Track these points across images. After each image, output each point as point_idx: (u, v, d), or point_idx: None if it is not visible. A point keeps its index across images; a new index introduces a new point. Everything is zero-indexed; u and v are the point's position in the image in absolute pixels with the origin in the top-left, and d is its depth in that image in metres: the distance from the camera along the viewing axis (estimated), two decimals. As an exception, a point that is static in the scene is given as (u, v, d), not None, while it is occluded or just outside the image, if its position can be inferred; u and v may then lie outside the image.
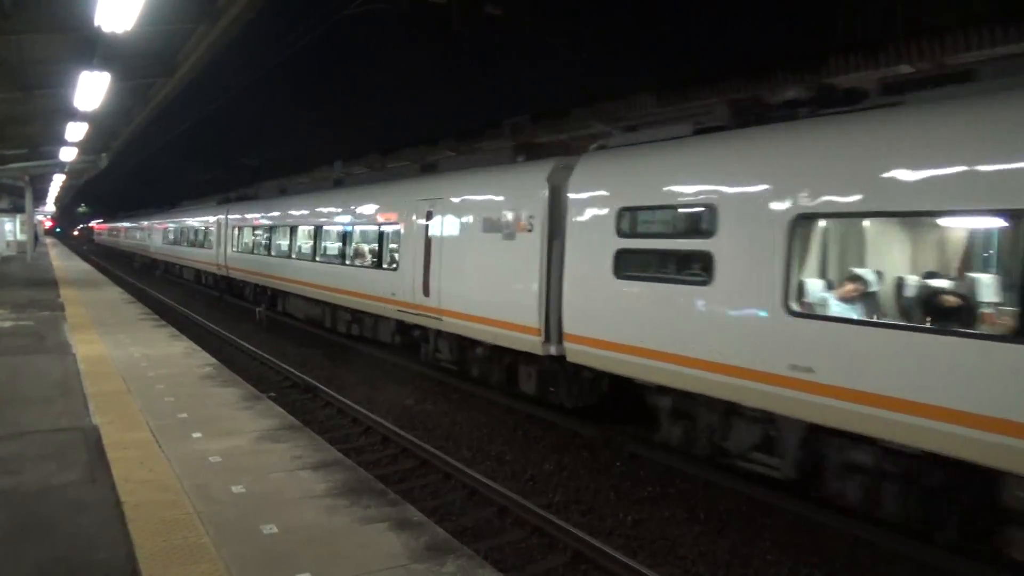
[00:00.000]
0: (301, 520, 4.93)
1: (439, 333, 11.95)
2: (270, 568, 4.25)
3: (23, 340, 11.81)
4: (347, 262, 15.26)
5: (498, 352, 10.57)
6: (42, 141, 21.93)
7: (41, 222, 52.74)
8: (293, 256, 18.52)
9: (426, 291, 11.78)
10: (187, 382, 9.18)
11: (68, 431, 6.84)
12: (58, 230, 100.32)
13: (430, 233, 11.80)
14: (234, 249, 24.07)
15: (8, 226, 43.36)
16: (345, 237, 15.61)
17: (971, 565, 6.00)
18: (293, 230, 18.79)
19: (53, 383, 8.80)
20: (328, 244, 16.94)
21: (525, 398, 10.78)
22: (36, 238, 43.96)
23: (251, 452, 6.40)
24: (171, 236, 35.38)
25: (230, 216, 24.76)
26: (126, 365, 10.08)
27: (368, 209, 14.60)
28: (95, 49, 11.21)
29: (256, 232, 22.21)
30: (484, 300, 10.41)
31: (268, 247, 20.60)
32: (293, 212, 19.09)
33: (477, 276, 10.67)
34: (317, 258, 16.81)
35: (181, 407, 7.84)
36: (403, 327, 13.30)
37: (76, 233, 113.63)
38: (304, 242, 18.21)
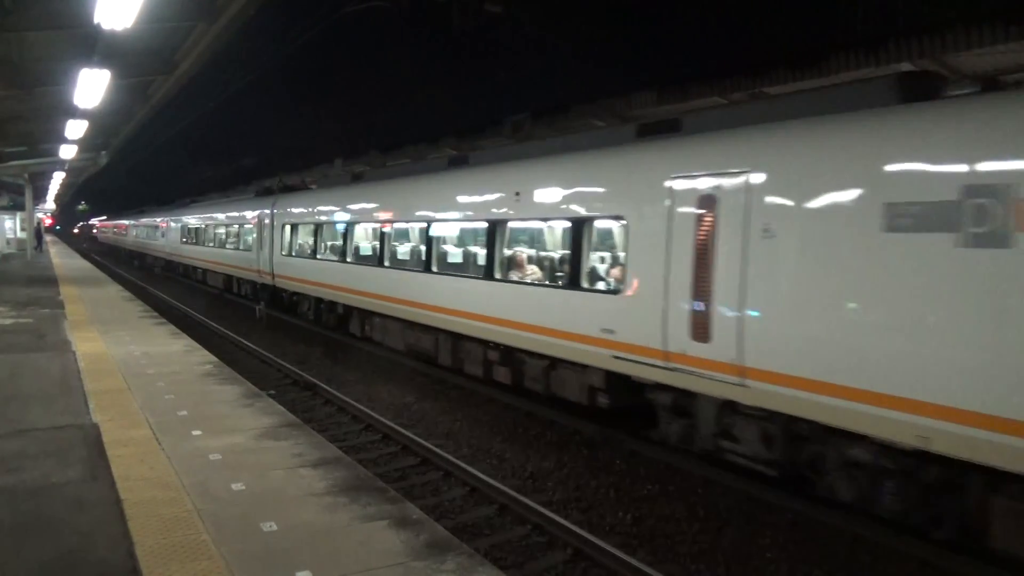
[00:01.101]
0: (301, 518, 4.93)
1: (733, 408, 7.20)
2: (270, 566, 4.25)
3: (23, 338, 11.81)
4: (498, 276, 10.40)
5: (924, 462, 5.83)
6: (42, 138, 21.93)
7: (42, 220, 52.65)
8: (387, 264, 13.65)
9: (702, 333, 7.16)
10: (187, 380, 9.18)
11: (68, 429, 6.84)
12: (57, 228, 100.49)
13: (715, 233, 7.06)
14: (285, 252, 18.99)
15: (8, 224, 43.36)
16: (493, 239, 10.49)
17: (970, 564, 6.00)
18: (386, 229, 13.99)
19: (53, 381, 8.80)
20: (451, 249, 12.38)
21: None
22: (40, 236, 43.79)
23: (251, 450, 6.40)
24: (193, 235, 30.39)
25: (279, 211, 19.61)
26: (126, 363, 10.08)
27: (541, 196, 9.67)
28: (95, 46, 11.21)
29: (324, 232, 17.21)
30: (890, 361, 5.76)
31: (342, 251, 15.70)
32: (386, 205, 14.13)
33: (867, 314, 5.95)
34: (434, 268, 12.04)
35: (181, 405, 7.84)
36: (619, 383, 8.57)
37: (76, 231, 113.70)
38: (408, 246, 13.72)
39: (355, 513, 5.04)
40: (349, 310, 15.75)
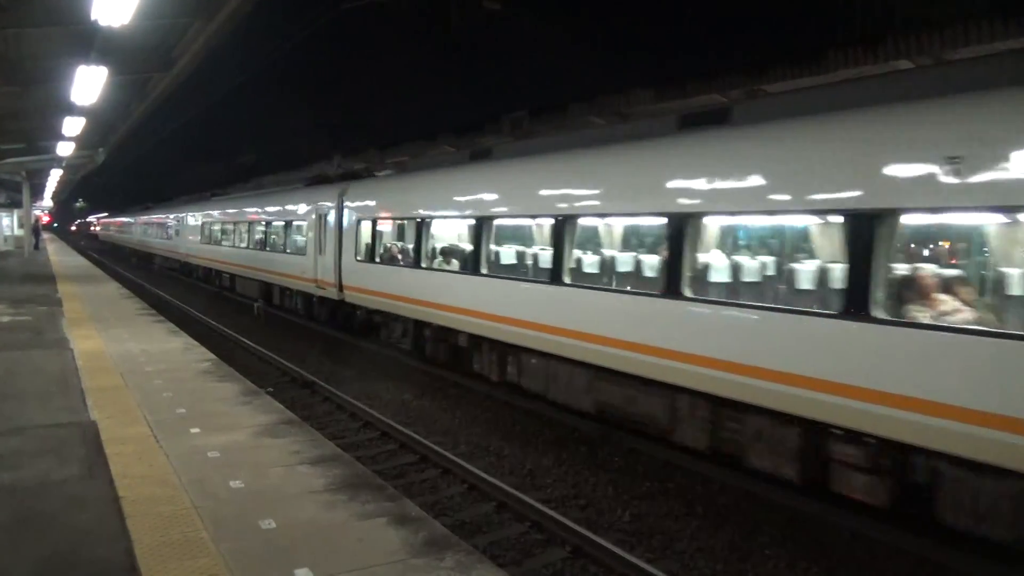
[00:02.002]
0: (300, 515, 4.93)
1: None
2: (268, 563, 4.25)
3: (21, 335, 11.79)
4: (878, 314, 5.97)
5: None
6: (39, 136, 21.92)
7: (39, 217, 52.60)
8: (567, 280, 9.15)
9: None
10: (185, 377, 9.17)
11: (66, 426, 6.83)
12: (55, 225, 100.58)
13: None
14: (362, 257, 14.59)
15: (6, 221, 43.32)
16: (868, 246, 6.05)
17: (968, 560, 6.01)
18: (567, 228, 9.18)
19: (51, 378, 8.79)
20: (718, 259, 7.95)
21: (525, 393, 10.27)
22: (37, 233, 43.73)
23: (249, 447, 6.39)
24: (218, 234, 26.12)
25: (352, 204, 15.16)
26: (124, 360, 10.07)
27: None
28: (92, 43, 11.20)
29: (436, 230, 12.82)
30: None
31: (473, 258, 11.03)
32: (568, 192, 9.35)
33: None
34: (686, 291, 7.56)
35: (179, 402, 7.84)
36: None
37: (73, 228, 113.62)
38: (622, 254, 9.40)
39: (354, 511, 5.04)
40: (478, 341, 11.17)
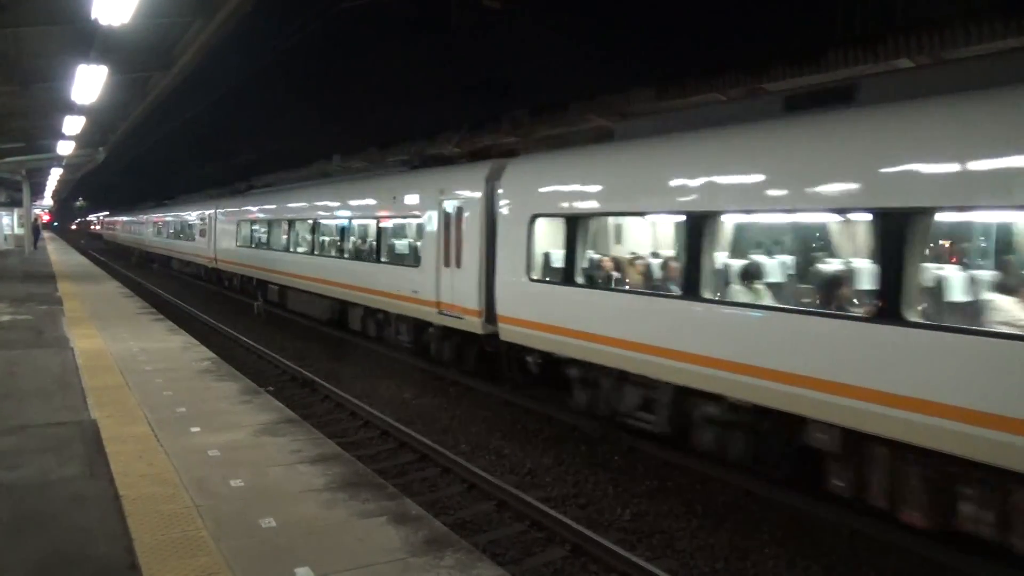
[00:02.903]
0: (300, 514, 4.93)
1: None
2: (269, 562, 4.26)
3: (21, 334, 11.80)
4: None
5: None
6: (39, 135, 21.92)
7: (39, 216, 52.58)
8: None
9: None
10: (185, 376, 9.18)
11: (67, 425, 6.83)
12: (55, 224, 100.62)
13: None
14: (540, 275, 9.62)
15: (6, 220, 43.35)
16: None
17: (966, 559, 6.01)
18: None
19: (51, 377, 8.80)
20: None
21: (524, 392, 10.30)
22: (37, 232, 43.72)
23: (250, 446, 6.40)
24: (263, 236, 21.00)
25: (526, 192, 10.01)
26: (124, 359, 10.07)
27: None
28: (92, 42, 11.20)
29: (810, 237, 7.69)
30: None
31: (879, 291, 5.66)
32: None
33: None
34: None
35: (180, 401, 7.84)
36: None
37: (74, 227, 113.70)
38: None
39: (354, 509, 5.04)
40: (864, 444, 6.05)
